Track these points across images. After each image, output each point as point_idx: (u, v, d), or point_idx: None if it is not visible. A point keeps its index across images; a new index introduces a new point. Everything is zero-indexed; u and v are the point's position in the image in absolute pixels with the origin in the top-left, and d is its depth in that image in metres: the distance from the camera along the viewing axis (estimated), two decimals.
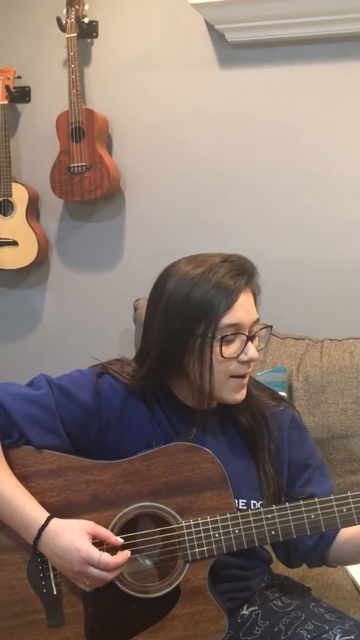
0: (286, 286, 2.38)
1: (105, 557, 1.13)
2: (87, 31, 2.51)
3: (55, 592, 1.19)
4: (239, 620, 1.31)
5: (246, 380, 1.27)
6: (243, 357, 1.22)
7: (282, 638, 1.23)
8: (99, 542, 1.16)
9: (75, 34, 2.44)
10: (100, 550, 1.14)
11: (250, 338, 1.23)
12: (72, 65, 2.44)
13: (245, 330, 1.22)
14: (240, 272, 1.22)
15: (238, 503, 1.26)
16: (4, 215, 2.58)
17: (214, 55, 2.41)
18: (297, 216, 2.40)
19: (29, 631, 1.18)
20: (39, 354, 2.71)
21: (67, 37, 2.45)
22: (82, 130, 2.45)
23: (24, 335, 2.76)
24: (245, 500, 1.28)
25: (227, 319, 1.20)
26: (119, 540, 1.16)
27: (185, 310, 1.20)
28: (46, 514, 1.17)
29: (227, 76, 2.41)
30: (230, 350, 1.22)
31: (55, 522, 1.16)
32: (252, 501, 1.29)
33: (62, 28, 2.46)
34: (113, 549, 1.17)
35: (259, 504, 1.29)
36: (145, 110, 2.51)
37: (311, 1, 2.13)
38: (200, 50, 2.42)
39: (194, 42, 2.42)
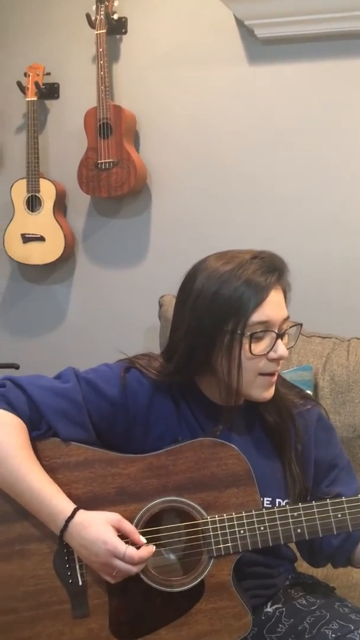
0: (312, 284, 2.37)
1: (131, 550, 1.13)
2: (116, 27, 2.52)
3: (80, 583, 1.20)
4: (263, 618, 1.31)
5: (275, 378, 1.26)
6: (272, 355, 1.21)
7: (307, 637, 1.22)
8: (123, 536, 1.17)
9: (104, 30, 2.45)
10: (125, 543, 1.15)
11: (280, 336, 1.22)
12: (101, 62, 2.46)
13: (275, 328, 1.22)
14: (271, 269, 1.21)
15: (263, 501, 1.26)
16: (32, 211, 2.61)
17: (243, 51, 2.40)
18: (326, 214, 2.39)
19: (54, 621, 1.19)
20: (64, 349, 2.72)
21: (97, 34, 2.46)
22: (110, 126, 2.46)
23: (50, 331, 2.78)
24: (270, 499, 1.27)
25: (257, 316, 1.19)
26: (142, 539, 1.16)
27: (214, 307, 1.20)
28: (73, 506, 1.17)
29: (256, 72, 2.40)
30: (259, 347, 1.21)
31: (82, 514, 1.16)
32: (278, 500, 1.28)
33: (92, 24, 2.47)
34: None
35: (284, 502, 1.28)
36: (173, 106, 2.52)
37: None
38: (229, 47, 2.41)
39: (223, 38, 2.41)
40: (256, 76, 2.40)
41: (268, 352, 1.21)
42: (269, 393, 1.26)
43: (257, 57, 2.39)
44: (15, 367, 2.50)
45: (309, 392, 2.02)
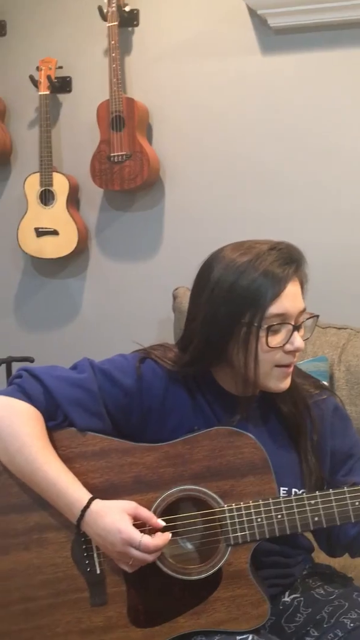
0: (328, 275, 2.35)
1: (146, 539, 1.14)
2: (128, 20, 2.52)
3: (98, 572, 1.20)
4: (281, 607, 1.31)
5: (291, 369, 1.26)
6: (289, 347, 1.21)
7: (325, 626, 1.22)
8: (140, 524, 1.17)
9: (116, 23, 2.45)
10: (142, 532, 1.15)
11: (297, 328, 1.22)
12: (113, 54, 2.45)
13: (291, 320, 1.21)
14: (288, 261, 1.21)
15: (279, 491, 1.25)
16: (45, 204, 2.62)
17: (255, 41, 2.39)
18: (340, 204, 2.37)
19: (72, 609, 1.20)
20: (78, 343, 2.73)
21: (108, 26, 2.46)
22: (123, 119, 2.46)
23: (64, 324, 2.79)
24: (286, 488, 1.27)
25: (274, 309, 1.19)
26: (161, 522, 1.17)
27: (231, 299, 1.19)
28: (89, 495, 1.17)
29: (269, 62, 2.39)
30: (276, 340, 1.20)
31: (98, 504, 1.17)
32: (294, 489, 1.28)
33: (104, 17, 2.47)
34: (155, 531, 1.17)
35: (300, 492, 1.28)
36: (185, 98, 2.51)
37: None
38: (242, 37, 2.40)
39: (236, 28, 2.41)
40: (269, 66, 2.39)
41: (284, 345, 1.21)
42: (285, 384, 1.26)
43: (270, 47, 2.38)
44: (30, 360, 2.51)
45: (324, 383, 2.01)
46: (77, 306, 2.77)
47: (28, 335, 2.81)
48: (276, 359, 1.22)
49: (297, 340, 1.21)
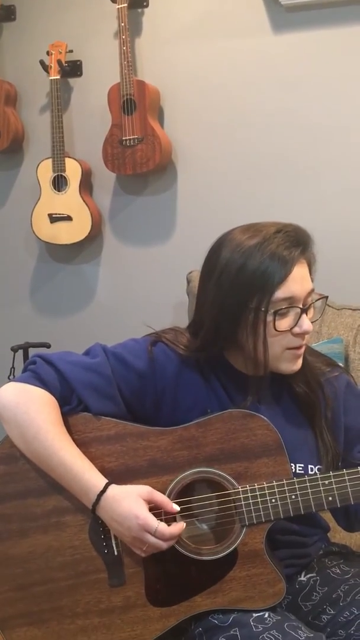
0: (343, 256, 2.34)
1: (162, 526, 1.15)
2: (138, 1, 2.50)
3: (116, 553, 1.22)
4: (297, 586, 1.32)
5: (302, 350, 1.26)
6: (297, 330, 1.21)
7: (341, 604, 1.24)
8: (155, 508, 1.18)
9: (125, 4, 2.43)
10: (158, 519, 1.16)
11: (305, 310, 1.22)
12: (123, 37, 2.44)
13: (299, 303, 1.21)
14: (295, 244, 1.20)
15: (295, 468, 1.26)
16: (58, 190, 2.62)
17: (267, 19, 2.36)
18: (355, 183, 2.34)
19: (91, 589, 1.22)
20: (93, 328, 2.75)
21: (118, 8, 2.44)
22: (134, 102, 2.45)
23: (80, 310, 2.81)
24: (302, 465, 1.28)
25: (281, 293, 1.19)
26: (176, 507, 1.18)
27: (238, 283, 1.20)
28: (105, 481, 1.19)
29: (281, 41, 2.36)
30: (284, 323, 1.21)
31: (114, 489, 1.18)
32: (310, 466, 1.28)
33: None
34: (171, 517, 1.19)
35: (316, 468, 1.28)
36: (197, 80, 2.49)
37: None
38: (253, 16, 2.37)
39: (247, 6, 2.37)
40: (281, 45, 2.36)
41: (293, 328, 1.21)
42: (297, 365, 1.26)
43: (281, 25, 2.35)
44: (47, 346, 2.53)
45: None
46: (92, 291, 2.79)
47: (44, 321, 2.83)
48: (286, 342, 1.22)
49: (305, 322, 1.21)
